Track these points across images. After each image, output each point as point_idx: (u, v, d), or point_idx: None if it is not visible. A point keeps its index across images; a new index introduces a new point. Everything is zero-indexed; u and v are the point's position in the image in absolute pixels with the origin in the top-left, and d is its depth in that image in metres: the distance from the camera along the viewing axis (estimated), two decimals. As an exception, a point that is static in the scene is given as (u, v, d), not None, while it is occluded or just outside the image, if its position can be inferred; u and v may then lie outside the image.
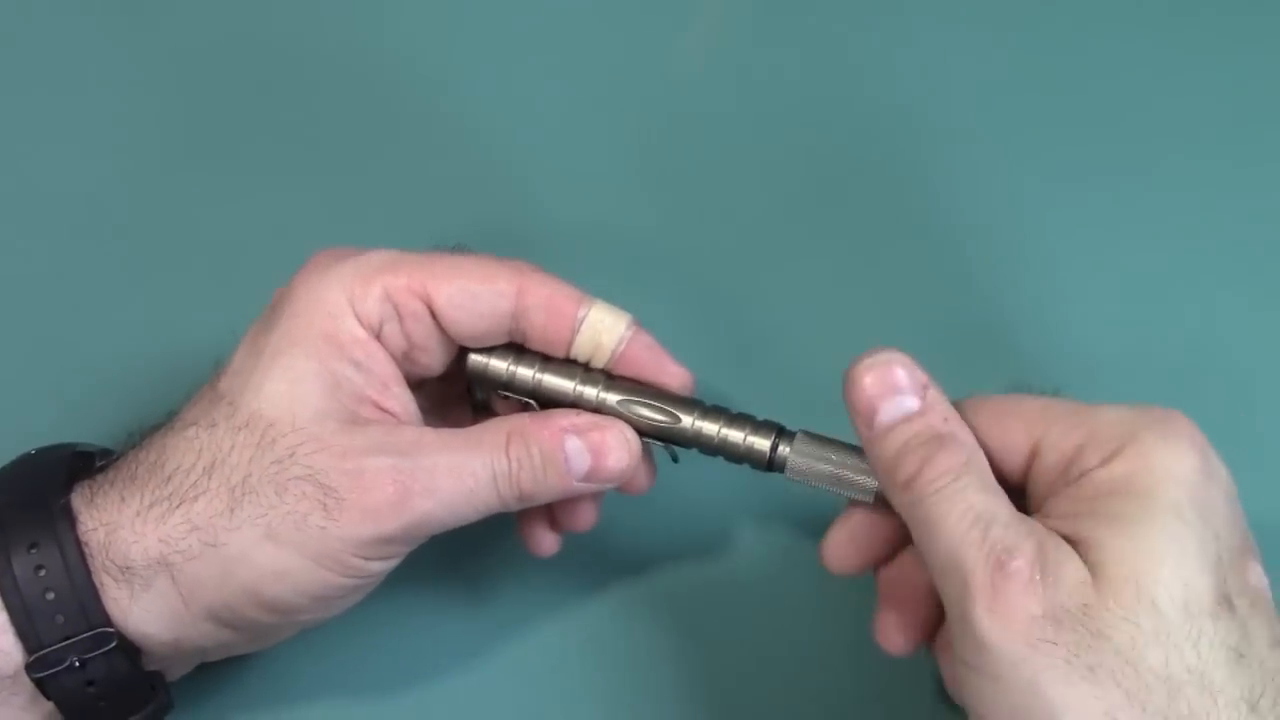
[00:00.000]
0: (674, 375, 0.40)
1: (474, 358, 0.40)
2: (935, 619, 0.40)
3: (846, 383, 0.37)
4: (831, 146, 0.55)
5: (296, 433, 0.37)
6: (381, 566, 0.39)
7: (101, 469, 0.39)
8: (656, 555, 0.46)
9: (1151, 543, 0.33)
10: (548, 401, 0.40)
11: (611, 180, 0.54)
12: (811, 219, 0.53)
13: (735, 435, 0.40)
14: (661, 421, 0.40)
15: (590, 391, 0.40)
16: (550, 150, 0.54)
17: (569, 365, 0.40)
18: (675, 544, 0.47)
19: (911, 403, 0.36)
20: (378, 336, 0.39)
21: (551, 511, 0.42)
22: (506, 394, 0.41)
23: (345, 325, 0.38)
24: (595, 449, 0.39)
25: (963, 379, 0.38)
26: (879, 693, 0.44)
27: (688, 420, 0.40)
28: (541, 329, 0.39)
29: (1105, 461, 0.35)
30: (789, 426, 0.40)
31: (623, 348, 0.40)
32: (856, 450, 0.39)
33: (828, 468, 0.39)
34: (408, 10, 0.58)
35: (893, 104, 0.56)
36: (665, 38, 0.57)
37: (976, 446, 0.36)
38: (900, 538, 0.40)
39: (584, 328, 0.39)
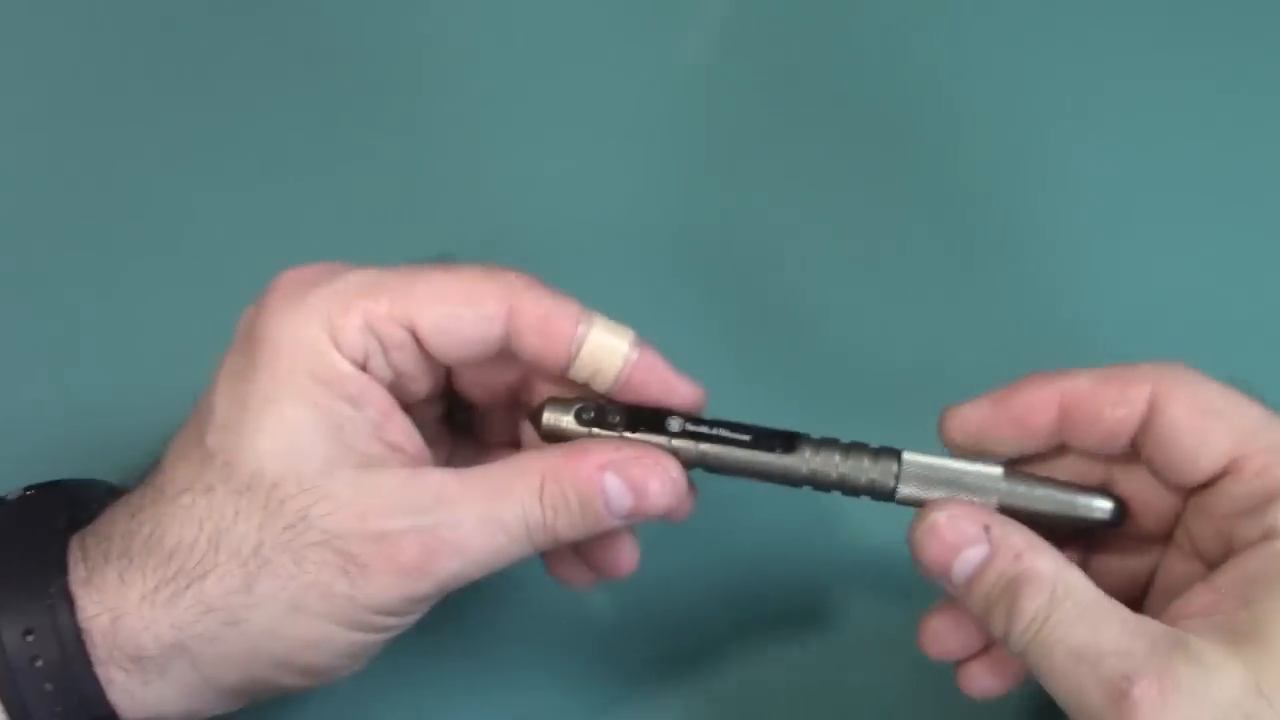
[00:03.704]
0: (684, 396, 0.36)
1: (550, 417, 0.36)
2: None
3: (913, 550, 0.35)
4: (846, 135, 0.53)
5: (305, 493, 0.33)
6: (413, 619, 0.36)
7: (93, 528, 0.35)
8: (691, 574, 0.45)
9: None
10: None
11: (617, 179, 0.52)
12: (827, 212, 0.51)
13: (855, 473, 0.36)
14: (777, 478, 0.36)
15: (687, 447, 0.36)
16: (552, 149, 0.52)
17: (654, 423, 0.36)
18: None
19: (978, 552, 0.33)
20: (364, 369, 0.35)
21: (585, 555, 0.39)
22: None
23: (331, 361, 0.34)
24: (637, 487, 0.35)
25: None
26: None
27: (799, 471, 0.36)
28: (535, 353, 0.35)
29: None
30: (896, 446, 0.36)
31: (627, 370, 0.36)
32: (971, 468, 0.36)
33: (937, 490, 0.36)
34: (406, 8, 0.55)
35: (913, 93, 0.53)
36: (671, 32, 0.55)
37: (1060, 565, 0.33)
38: None
39: (584, 353, 0.35)
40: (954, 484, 0.35)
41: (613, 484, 0.35)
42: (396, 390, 0.36)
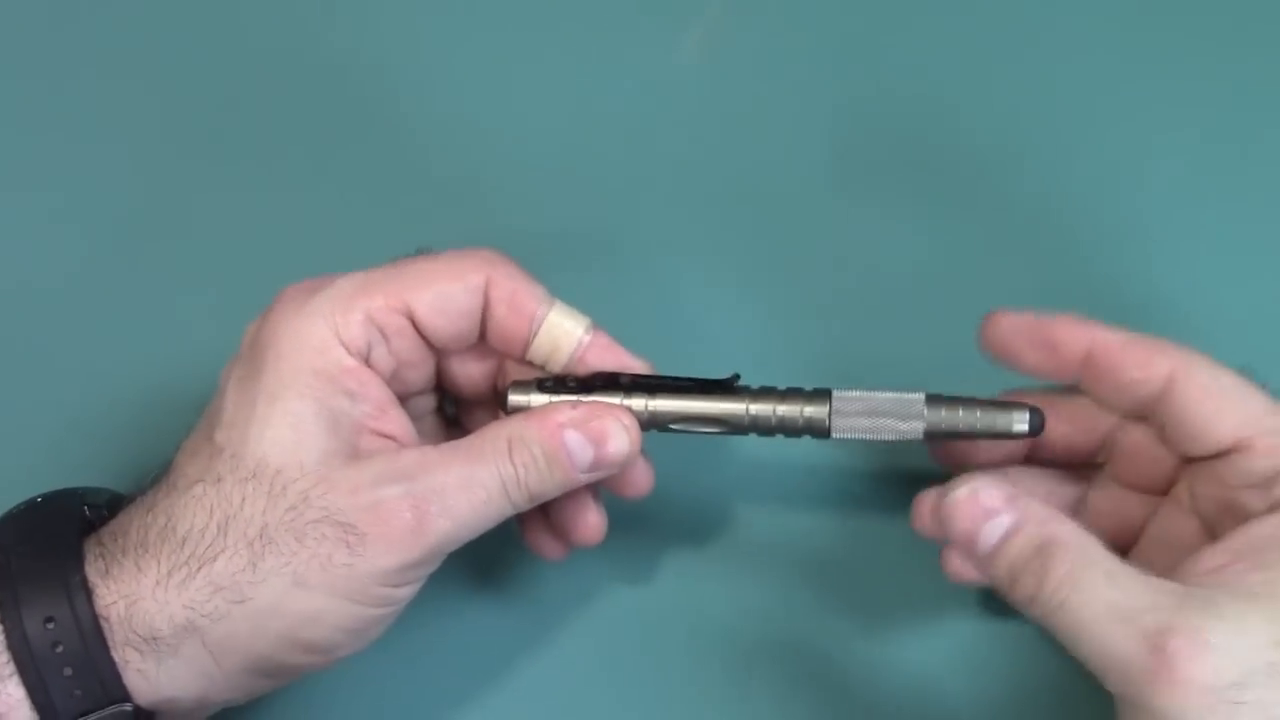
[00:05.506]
0: (637, 371, 0.40)
1: (514, 398, 0.40)
2: None
3: (943, 526, 0.37)
4: (846, 134, 0.53)
5: (305, 477, 0.36)
6: (409, 591, 0.38)
7: (109, 529, 0.38)
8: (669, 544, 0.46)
9: None
10: None
11: (610, 182, 0.52)
12: (827, 211, 0.51)
13: (792, 414, 0.39)
14: (718, 431, 0.40)
15: (638, 406, 0.40)
16: (546, 153, 0.53)
17: (608, 388, 0.40)
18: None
19: (1006, 520, 0.35)
20: (367, 362, 0.38)
21: (556, 525, 0.42)
22: None
23: (334, 357, 0.38)
24: (595, 439, 0.38)
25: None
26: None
27: (741, 416, 0.40)
28: (501, 325, 0.39)
29: None
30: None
31: (580, 351, 0.40)
32: (895, 397, 0.39)
33: (867, 420, 0.39)
34: (401, 12, 0.56)
35: (914, 88, 0.53)
36: (665, 36, 0.55)
37: (1082, 533, 0.35)
38: None
39: (542, 331, 0.39)
40: (882, 413, 0.39)
41: (573, 438, 0.38)
42: (397, 382, 0.40)
